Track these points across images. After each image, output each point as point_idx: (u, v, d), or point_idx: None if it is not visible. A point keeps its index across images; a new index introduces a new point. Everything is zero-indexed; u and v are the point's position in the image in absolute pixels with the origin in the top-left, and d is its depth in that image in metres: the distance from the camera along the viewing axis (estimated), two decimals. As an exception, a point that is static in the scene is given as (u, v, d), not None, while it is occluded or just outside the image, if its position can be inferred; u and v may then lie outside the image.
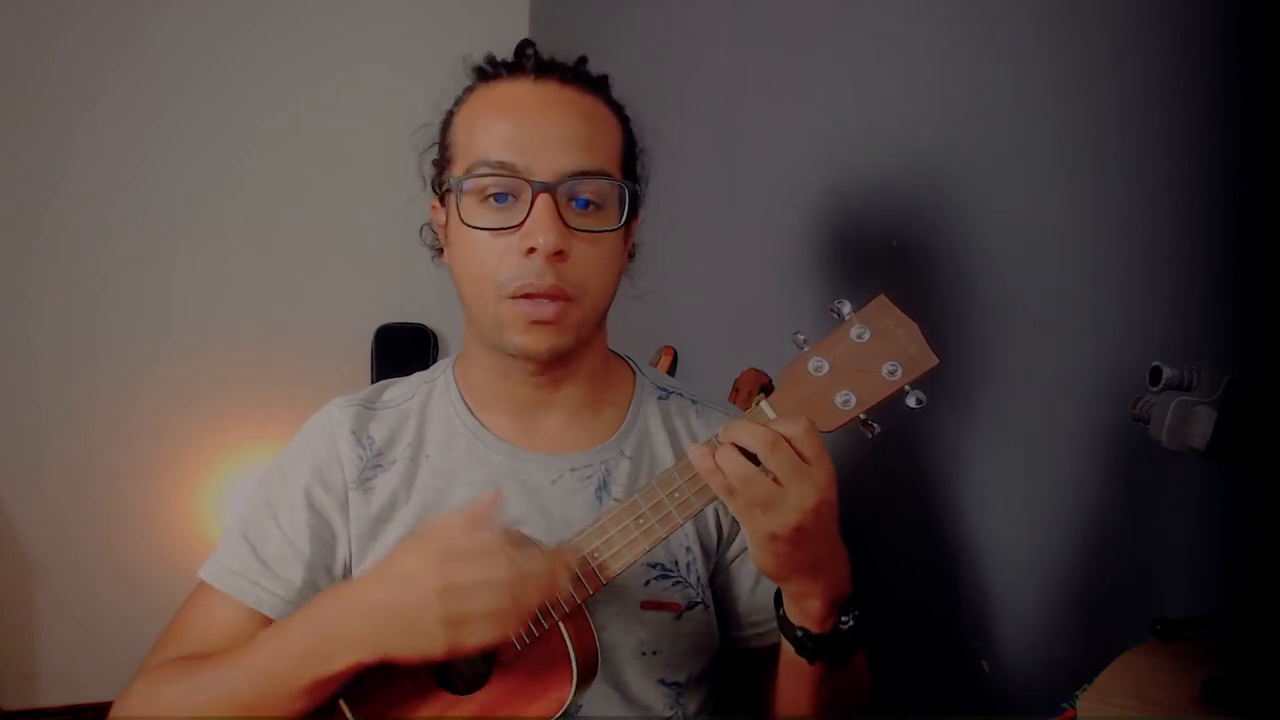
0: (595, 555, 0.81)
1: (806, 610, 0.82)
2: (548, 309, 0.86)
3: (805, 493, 0.74)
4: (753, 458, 0.74)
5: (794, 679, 0.89)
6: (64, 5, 2.37)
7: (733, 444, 0.75)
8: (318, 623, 0.81)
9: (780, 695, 0.93)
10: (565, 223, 0.86)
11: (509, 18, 2.68)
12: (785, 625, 0.85)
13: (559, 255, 0.86)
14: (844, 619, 0.83)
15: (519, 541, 0.79)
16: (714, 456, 0.75)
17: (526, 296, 0.86)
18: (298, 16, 2.56)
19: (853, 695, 0.94)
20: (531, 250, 0.85)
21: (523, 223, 0.86)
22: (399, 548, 0.80)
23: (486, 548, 0.76)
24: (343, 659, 0.79)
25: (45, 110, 2.38)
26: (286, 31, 2.55)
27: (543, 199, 0.85)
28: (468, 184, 0.88)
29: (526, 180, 0.86)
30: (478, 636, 0.75)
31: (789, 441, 0.74)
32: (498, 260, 0.87)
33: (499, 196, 0.87)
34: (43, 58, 2.36)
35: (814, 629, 0.82)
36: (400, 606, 0.76)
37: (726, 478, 0.74)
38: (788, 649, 0.86)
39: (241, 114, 2.53)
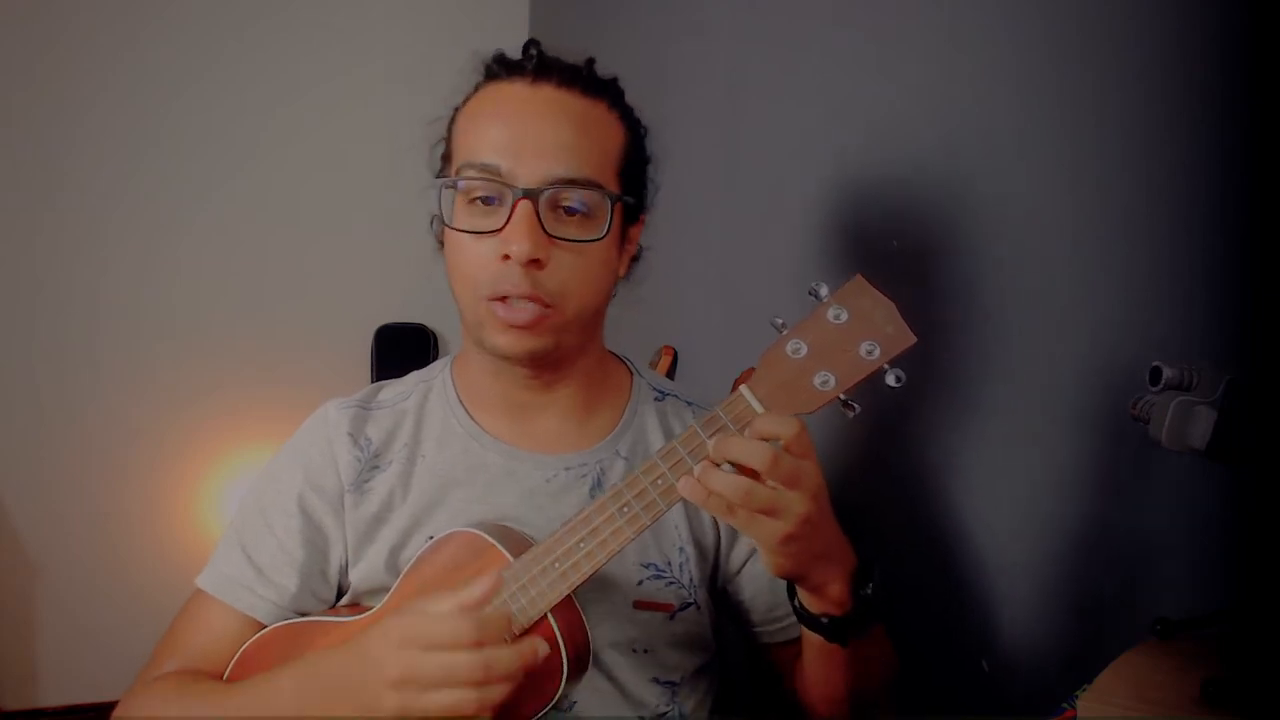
0: (580, 546, 0.81)
1: (828, 595, 0.82)
2: (523, 314, 0.86)
3: (805, 486, 0.74)
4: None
5: (826, 665, 0.89)
6: (64, 5, 2.37)
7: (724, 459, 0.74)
8: (298, 678, 0.82)
9: (814, 685, 0.93)
10: (546, 230, 0.85)
11: (509, 18, 2.68)
12: (806, 618, 0.84)
13: (535, 263, 0.85)
14: (865, 588, 0.82)
15: (492, 624, 0.76)
16: (703, 482, 0.73)
17: (502, 300, 0.86)
18: (298, 17, 2.56)
19: (884, 667, 0.94)
20: (507, 256, 0.85)
21: (503, 228, 0.85)
22: (377, 625, 0.78)
23: (454, 638, 0.73)
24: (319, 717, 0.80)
25: (45, 110, 2.38)
26: (287, 30, 2.55)
27: (522, 206, 0.85)
28: (460, 184, 0.88)
29: (509, 186, 0.85)
30: None
31: (785, 445, 0.73)
32: (479, 262, 0.87)
33: (486, 198, 0.87)
34: (43, 58, 2.36)
35: (837, 612, 0.82)
36: (358, 690, 0.76)
37: (724, 498, 0.73)
38: (814, 639, 0.86)
39: (242, 114, 2.53)
